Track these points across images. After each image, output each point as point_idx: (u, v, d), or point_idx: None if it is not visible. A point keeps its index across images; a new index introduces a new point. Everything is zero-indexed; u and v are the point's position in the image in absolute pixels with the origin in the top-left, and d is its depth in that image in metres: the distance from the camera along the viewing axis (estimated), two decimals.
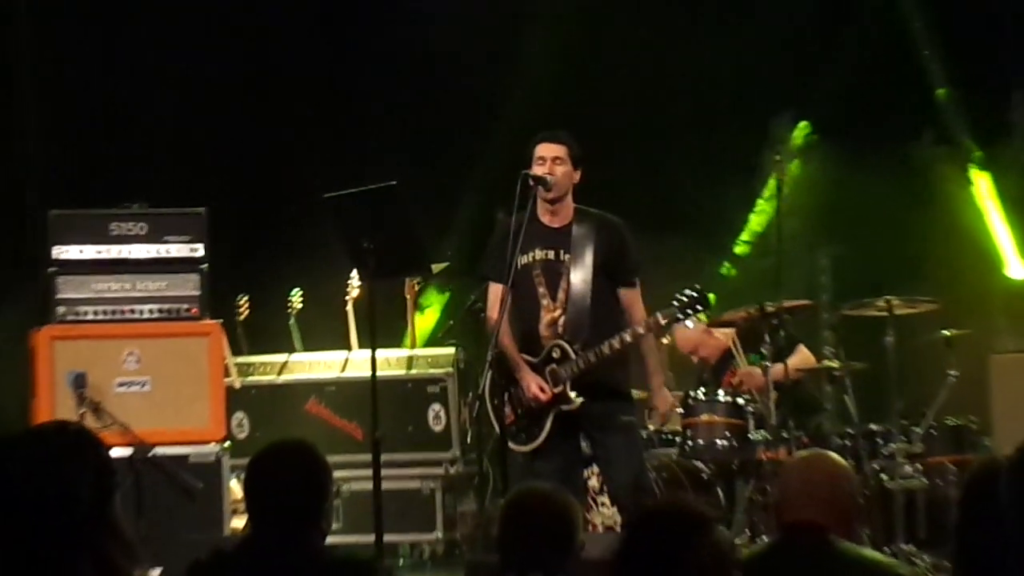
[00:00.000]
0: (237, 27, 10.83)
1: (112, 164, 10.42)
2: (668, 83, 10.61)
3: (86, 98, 10.61)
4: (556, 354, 7.03)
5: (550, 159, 7.01)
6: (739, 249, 11.16)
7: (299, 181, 10.29)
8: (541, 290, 7.07)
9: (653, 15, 10.73)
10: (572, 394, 6.97)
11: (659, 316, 6.95)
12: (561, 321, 7.04)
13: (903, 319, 8.19)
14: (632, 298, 7.12)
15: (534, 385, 6.99)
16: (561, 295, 7.05)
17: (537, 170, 7.00)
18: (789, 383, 8.34)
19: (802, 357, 8.62)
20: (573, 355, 6.98)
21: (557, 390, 6.99)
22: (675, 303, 6.91)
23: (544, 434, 7.00)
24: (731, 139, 10.58)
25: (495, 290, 7.04)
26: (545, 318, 7.07)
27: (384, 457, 7.07)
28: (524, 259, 7.04)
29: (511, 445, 7.01)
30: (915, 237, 10.28)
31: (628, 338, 6.97)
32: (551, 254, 7.08)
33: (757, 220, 11.10)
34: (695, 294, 6.91)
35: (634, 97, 10.72)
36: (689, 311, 6.93)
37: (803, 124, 10.96)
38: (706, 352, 9.04)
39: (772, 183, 10.22)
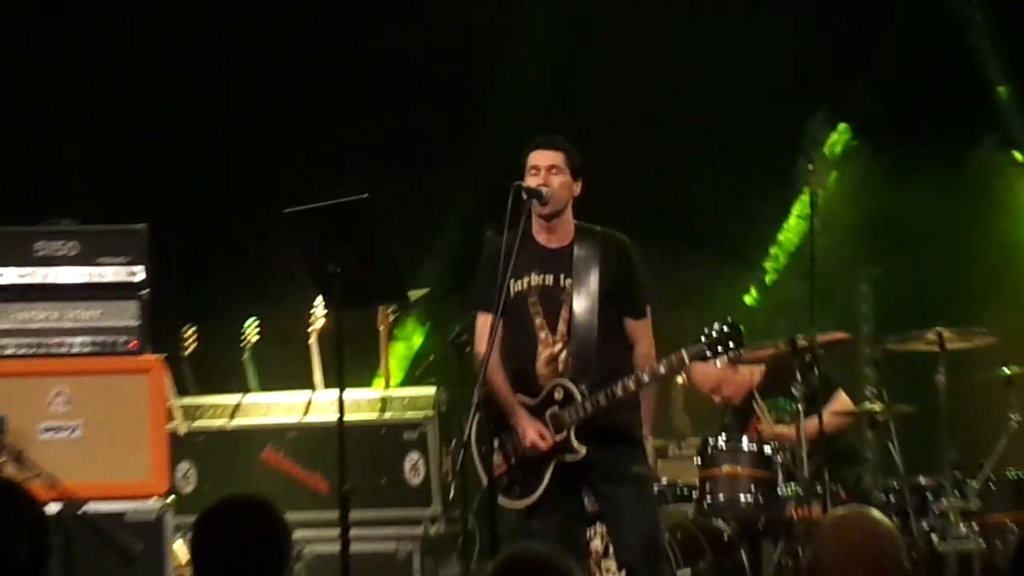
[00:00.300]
0: (195, 25, 10.86)
1: (37, 173, 10.45)
2: (685, 80, 10.63)
3: (4, 96, 10.65)
4: (558, 395, 7.04)
5: (545, 168, 7.04)
6: (769, 277, 11.18)
7: (257, 195, 10.30)
8: (538, 321, 7.09)
9: (666, 1, 10.78)
10: (576, 442, 6.99)
11: (684, 354, 6.96)
12: (562, 357, 7.06)
13: (957, 354, 8.23)
14: (640, 330, 7.14)
15: (532, 431, 7.00)
16: (562, 327, 7.07)
17: (531, 181, 7.03)
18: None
19: (842, 405, 8.64)
20: (579, 397, 6.99)
21: (559, 437, 7.00)
22: (703, 339, 6.93)
23: (542, 487, 7.01)
24: (758, 145, 10.61)
25: (484, 321, 7.06)
26: (543, 353, 7.09)
27: (353, 514, 7.08)
28: (518, 285, 7.07)
29: (502, 500, 7.03)
30: (971, 259, 10.32)
31: (646, 378, 7.00)
32: (549, 279, 7.10)
33: (788, 239, 11.14)
34: (727, 329, 6.92)
35: (645, 96, 10.73)
36: (719, 348, 6.93)
37: (842, 127, 11.00)
38: (729, 391, 9.01)
39: (805, 196, 10.24)
